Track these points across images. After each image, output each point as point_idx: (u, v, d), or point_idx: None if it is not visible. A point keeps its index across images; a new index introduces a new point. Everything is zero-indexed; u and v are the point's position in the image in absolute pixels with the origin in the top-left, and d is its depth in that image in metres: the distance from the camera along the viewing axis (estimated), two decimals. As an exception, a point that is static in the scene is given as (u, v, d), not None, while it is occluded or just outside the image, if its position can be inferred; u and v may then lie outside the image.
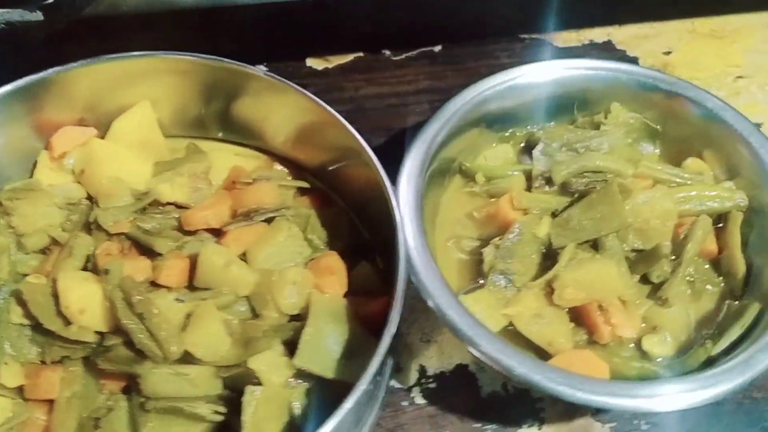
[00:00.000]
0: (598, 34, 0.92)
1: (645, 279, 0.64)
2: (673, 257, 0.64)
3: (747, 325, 0.59)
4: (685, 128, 0.70)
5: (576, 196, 0.65)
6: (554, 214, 0.65)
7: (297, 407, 0.57)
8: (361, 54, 0.90)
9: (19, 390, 0.59)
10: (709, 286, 0.64)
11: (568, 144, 0.68)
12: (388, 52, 0.90)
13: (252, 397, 0.54)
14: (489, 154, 0.70)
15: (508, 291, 0.61)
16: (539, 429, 0.64)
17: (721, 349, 0.58)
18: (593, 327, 0.60)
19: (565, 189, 0.66)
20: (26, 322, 0.59)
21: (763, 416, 0.65)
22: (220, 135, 0.76)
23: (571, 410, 0.64)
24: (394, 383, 0.66)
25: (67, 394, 0.58)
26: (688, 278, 0.64)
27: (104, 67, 0.69)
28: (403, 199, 0.62)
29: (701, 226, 0.63)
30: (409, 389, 0.66)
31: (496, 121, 0.71)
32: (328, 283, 0.62)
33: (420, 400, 0.65)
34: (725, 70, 0.89)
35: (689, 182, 0.67)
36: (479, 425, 0.64)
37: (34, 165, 0.68)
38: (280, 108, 0.70)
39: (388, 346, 0.54)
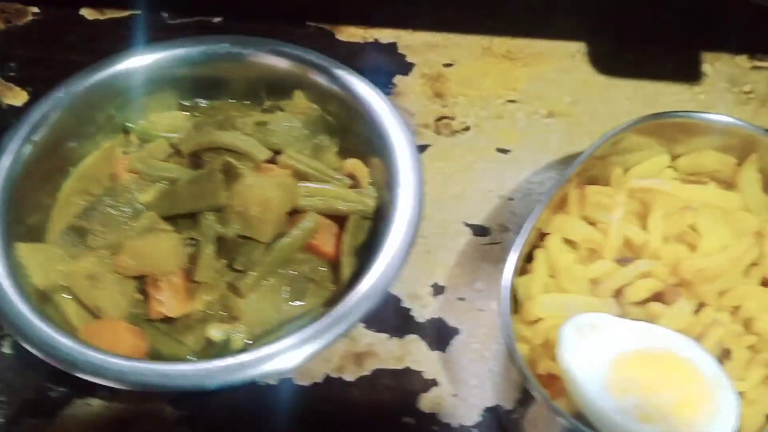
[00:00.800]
0: (388, 35, 0.89)
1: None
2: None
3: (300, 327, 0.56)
4: (358, 129, 0.66)
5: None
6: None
7: None
8: (139, 12, 0.89)
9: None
10: (314, 287, 0.61)
11: (223, 121, 0.65)
12: (166, 15, 0.88)
13: None
14: (156, 117, 0.68)
15: (75, 250, 0.59)
16: (109, 402, 0.62)
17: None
18: (147, 300, 0.58)
19: (197, 163, 0.64)
20: None
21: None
22: None
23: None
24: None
25: None
26: (292, 277, 0.60)
27: None
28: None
29: (302, 224, 0.60)
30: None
31: (180, 88, 0.69)
32: None
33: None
34: (499, 92, 0.84)
35: (328, 180, 0.63)
36: (52, 385, 0.62)
37: None
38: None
39: None
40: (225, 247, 0.60)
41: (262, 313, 0.59)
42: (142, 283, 0.59)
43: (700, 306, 0.61)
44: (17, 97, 0.80)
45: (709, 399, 0.54)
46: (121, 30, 0.87)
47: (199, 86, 0.70)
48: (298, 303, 0.61)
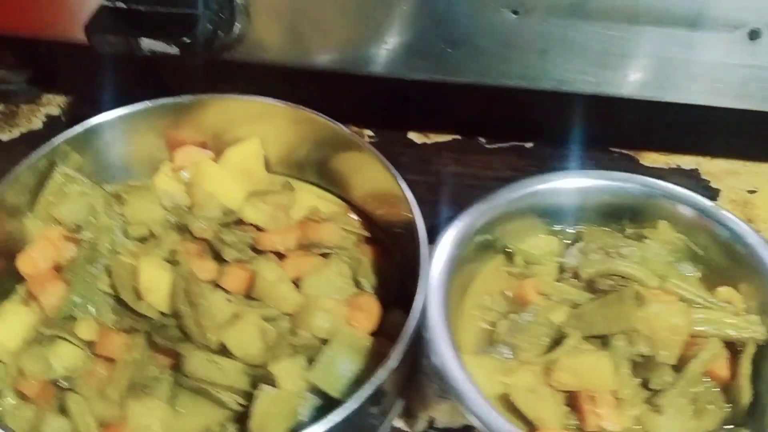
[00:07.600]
0: (688, 161, 0.96)
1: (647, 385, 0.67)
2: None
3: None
4: (725, 258, 0.73)
5: (599, 294, 0.71)
6: (574, 307, 0.70)
7: (301, 415, 0.65)
8: (458, 136, 0.99)
9: (91, 345, 0.71)
10: (712, 408, 0.67)
11: (605, 247, 0.73)
12: (483, 139, 0.99)
13: (264, 394, 0.64)
14: (533, 241, 0.77)
15: (510, 363, 0.67)
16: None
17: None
18: (582, 414, 0.64)
19: (591, 286, 0.72)
20: (110, 291, 0.72)
21: None
22: (312, 179, 0.88)
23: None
24: (401, 425, 0.72)
25: (127, 358, 0.69)
26: (693, 396, 0.67)
27: (229, 103, 0.83)
28: (436, 261, 0.70)
29: (709, 348, 0.66)
30: (414, 435, 0.72)
31: (548, 215, 0.78)
32: (358, 318, 0.71)
33: (422, 446, 0.71)
34: (811, 219, 0.90)
35: (712, 307, 0.70)
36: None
37: (156, 171, 0.83)
38: (361, 168, 0.81)
39: (384, 379, 0.61)
40: (635, 367, 0.67)
41: (672, 429, 0.65)
42: (568, 397, 0.66)
43: None
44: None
45: None
46: (445, 152, 0.98)
47: (559, 212, 0.78)
48: (696, 422, 0.66)
